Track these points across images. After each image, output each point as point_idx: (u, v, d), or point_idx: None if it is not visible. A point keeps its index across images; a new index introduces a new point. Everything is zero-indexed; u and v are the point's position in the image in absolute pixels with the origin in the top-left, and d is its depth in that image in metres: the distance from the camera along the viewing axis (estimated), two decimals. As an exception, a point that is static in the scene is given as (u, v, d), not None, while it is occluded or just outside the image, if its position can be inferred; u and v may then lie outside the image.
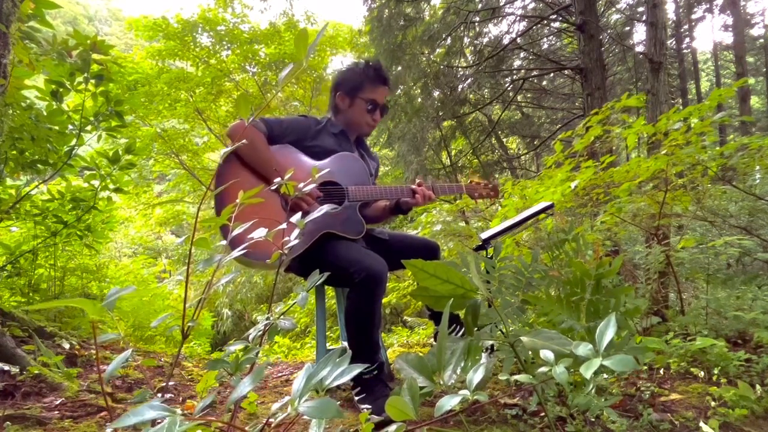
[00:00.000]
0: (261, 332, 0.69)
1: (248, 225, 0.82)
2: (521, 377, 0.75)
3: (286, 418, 0.54)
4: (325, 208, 0.93)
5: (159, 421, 0.41)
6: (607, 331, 0.63)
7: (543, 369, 0.68)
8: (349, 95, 1.84)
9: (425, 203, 1.81)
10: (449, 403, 0.61)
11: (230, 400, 0.52)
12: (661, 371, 1.74)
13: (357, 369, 0.56)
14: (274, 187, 1.00)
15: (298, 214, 0.92)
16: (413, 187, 1.81)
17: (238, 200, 0.81)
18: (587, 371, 0.59)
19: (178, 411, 0.43)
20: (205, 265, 0.68)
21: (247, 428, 0.64)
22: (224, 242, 0.79)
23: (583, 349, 0.63)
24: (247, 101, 0.71)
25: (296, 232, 0.85)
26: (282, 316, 0.72)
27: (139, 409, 0.41)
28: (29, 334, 2.00)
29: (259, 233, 0.79)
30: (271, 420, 0.56)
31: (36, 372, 1.62)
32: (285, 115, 2.02)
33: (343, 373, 0.54)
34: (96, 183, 2.47)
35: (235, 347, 0.69)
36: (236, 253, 0.74)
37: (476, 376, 0.65)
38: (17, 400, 1.51)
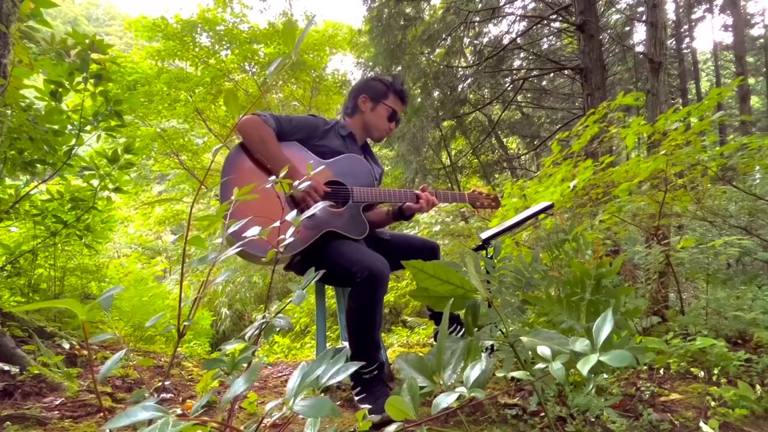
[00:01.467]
0: (257, 331, 0.69)
1: (248, 220, 0.82)
2: (519, 374, 0.74)
3: (282, 417, 0.53)
4: (321, 205, 0.93)
5: (155, 421, 0.41)
6: (604, 326, 0.63)
7: (540, 365, 0.68)
8: (373, 100, 1.90)
9: (429, 209, 1.83)
10: (446, 400, 0.61)
11: (224, 400, 0.52)
12: (661, 371, 1.74)
13: (353, 367, 0.56)
14: (271, 184, 0.99)
15: (294, 212, 0.92)
16: (417, 192, 1.82)
17: (233, 197, 0.81)
18: (584, 367, 0.59)
19: (178, 411, 0.43)
20: (200, 263, 0.68)
21: (242, 428, 0.64)
22: (220, 240, 0.79)
23: (580, 345, 0.63)
24: (236, 98, 0.70)
25: (292, 229, 0.85)
26: (278, 315, 0.72)
27: (133, 410, 0.41)
28: (29, 334, 2.00)
29: (253, 231, 0.79)
30: (266, 419, 0.56)
31: (36, 372, 1.62)
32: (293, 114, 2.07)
33: (339, 371, 0.54)
34: (95, 183, 2.47)
35: (231, 346, 0.69)
36: (232, 250, 0.74)
37: (473, 373, 0.65)
38: (17, 400, 1.51)
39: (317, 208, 0.90)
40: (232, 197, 0.79)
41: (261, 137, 1.63)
